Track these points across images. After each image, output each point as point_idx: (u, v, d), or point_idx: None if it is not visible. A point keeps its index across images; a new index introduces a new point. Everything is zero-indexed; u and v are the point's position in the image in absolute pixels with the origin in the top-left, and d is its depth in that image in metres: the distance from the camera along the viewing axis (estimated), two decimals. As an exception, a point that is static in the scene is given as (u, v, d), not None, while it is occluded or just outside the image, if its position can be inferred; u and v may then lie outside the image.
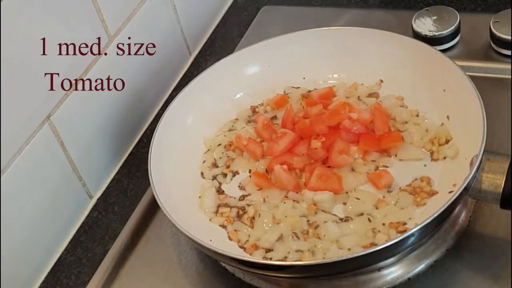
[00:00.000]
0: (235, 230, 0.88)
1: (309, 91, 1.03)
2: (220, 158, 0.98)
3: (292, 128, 0.95)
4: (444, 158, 0.89)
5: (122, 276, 0.92)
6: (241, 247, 0.86)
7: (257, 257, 0.84)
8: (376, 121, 0.93)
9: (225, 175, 0.96)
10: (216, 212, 0.91)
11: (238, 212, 0.90)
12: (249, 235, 0.87)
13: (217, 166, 0.97)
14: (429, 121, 0.94)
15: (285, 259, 0.83)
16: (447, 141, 0.90)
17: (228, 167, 0.97)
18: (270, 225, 0.87)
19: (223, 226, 0.89)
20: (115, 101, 1.05)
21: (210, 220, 0.91)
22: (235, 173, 0.96)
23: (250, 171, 0.95)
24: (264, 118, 0.99)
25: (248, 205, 0.90)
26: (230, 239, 0.88)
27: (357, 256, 0.74)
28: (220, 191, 0.94)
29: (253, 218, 0.88)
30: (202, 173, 0.97)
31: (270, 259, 0.84)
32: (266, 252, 0.85)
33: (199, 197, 0.93)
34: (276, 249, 0.85)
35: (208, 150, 0.99)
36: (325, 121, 0.93)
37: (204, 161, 0.98)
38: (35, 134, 0.90)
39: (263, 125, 0.98)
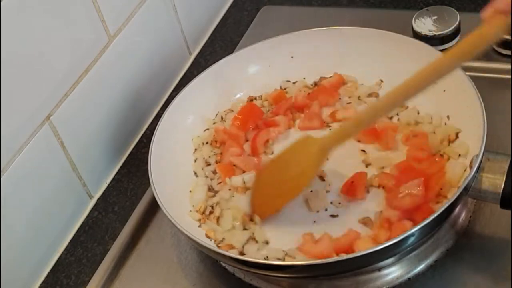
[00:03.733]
0: (212, 229, 0.88)
1: (315, 82, 1.04)
2: (209, 156, 0.97)
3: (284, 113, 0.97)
4: (459, 156, 0.87)
5: (122, 276, 0.92)
6: (218, 246, 0.86)
7: (257, 257, 0.84)
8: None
9: (215, 172, 0.96)
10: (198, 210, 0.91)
11: (210, 211, 0.90)
12: (222, 236, 0.87)
13: (209, 164, 0.97)
14: (434, 122, 0.93)
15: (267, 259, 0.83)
16: (457, 136, 0.89)
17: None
18: (237, 223, 0.88)
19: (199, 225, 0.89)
20: (115, 101, 1.05)
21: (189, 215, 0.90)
22: None
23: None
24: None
25: (218, 203, 0.91)
26: (208, 237, 0.87)
27: (357, 256, 0.74)
28: (211, 189, 0.94)
29: (219, 217, 0.89)
30: (195, 172, 0.96)
31: (267, 258, 0.84)
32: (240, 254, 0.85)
33: (190, 191, 0.93)
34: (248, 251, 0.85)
35: (196, 149, 0.99)
36: None
37: (195, 159, 0.98)
38: (35, 134, 0.90)
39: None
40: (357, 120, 0.84)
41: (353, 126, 0.83)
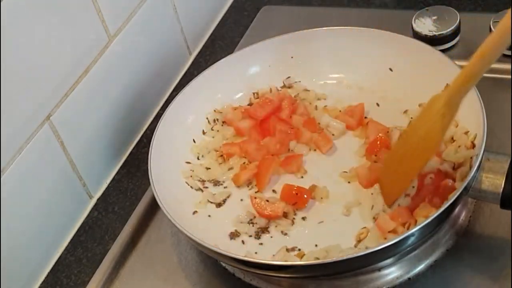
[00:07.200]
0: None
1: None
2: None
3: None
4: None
5: (122, 276, 0.92)
6: None
7: (257, 258, 0.84)
8: None
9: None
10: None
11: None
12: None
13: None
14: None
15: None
16: (473, 145, 0.85)
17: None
18: None
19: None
20: (115, 101, 1.05)
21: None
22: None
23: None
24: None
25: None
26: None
27: (357, 256, 0.74)
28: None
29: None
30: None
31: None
32: None
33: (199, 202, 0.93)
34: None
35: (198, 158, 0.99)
36: None
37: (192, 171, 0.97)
38: (35, 134, 0.90)
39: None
40: (479, 55, 0.73)
41: (475, 65, 0.73)
